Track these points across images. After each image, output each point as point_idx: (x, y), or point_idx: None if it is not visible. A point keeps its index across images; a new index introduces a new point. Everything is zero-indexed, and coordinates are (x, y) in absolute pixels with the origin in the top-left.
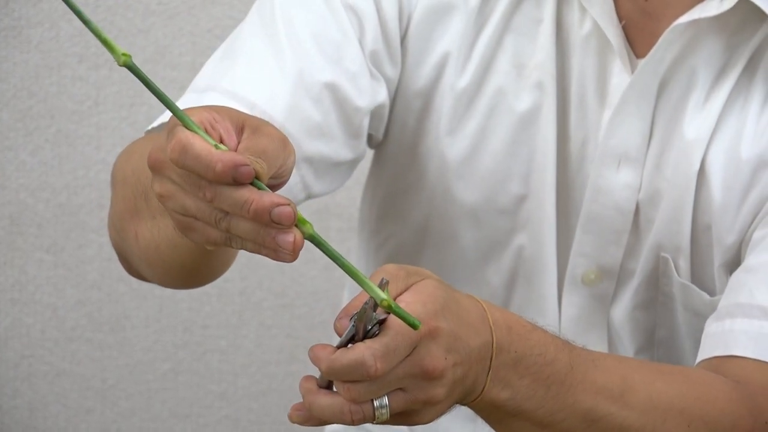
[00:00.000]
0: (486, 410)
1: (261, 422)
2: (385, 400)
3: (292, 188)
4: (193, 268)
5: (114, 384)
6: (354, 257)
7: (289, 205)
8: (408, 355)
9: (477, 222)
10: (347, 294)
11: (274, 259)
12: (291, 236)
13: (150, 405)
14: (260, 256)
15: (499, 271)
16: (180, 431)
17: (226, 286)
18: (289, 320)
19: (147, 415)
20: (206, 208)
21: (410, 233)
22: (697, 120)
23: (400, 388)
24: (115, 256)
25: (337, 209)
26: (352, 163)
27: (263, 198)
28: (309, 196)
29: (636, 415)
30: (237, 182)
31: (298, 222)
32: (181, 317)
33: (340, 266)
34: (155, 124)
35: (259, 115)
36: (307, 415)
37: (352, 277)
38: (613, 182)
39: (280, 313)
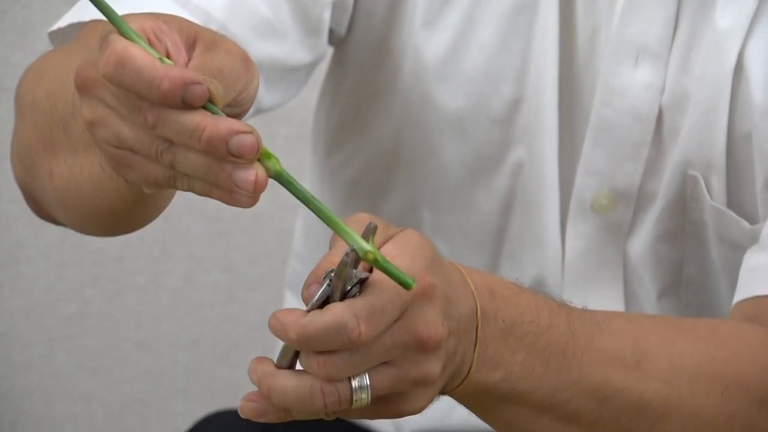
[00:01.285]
0: (473, 396)
1: (190, 378)
2: (366, 379)
3: None
4: (123, 214)
5: (5, 332)
6: (307, 181)
7: (251, 133)
8: (397, 320)
9: (462, 133)
10: (301, 224)
11: (227, 203)
12: (252, 173)
13: (51, 357)
14: None
15: (492, 195)
16: (88, 388)
17: None
18: (226, 251)
19: (47, 370)
20: (146, 138)
21: (378, 150)
22: (733, 5)
23: (385, 363)
24: (6, 171)
25: (284, 112)
26: (310, 67)
27: (219, 124)
28: (258, 111)
29: (657, 386)
30: (186, 104)
31: (261, 155)
32: (90, 247)
33: (314, 211)
34: (62, 23)
35: (192, 12)
36: (264, 406)
37: (329, 225)
38: (630, 82)
39: (214, 242)
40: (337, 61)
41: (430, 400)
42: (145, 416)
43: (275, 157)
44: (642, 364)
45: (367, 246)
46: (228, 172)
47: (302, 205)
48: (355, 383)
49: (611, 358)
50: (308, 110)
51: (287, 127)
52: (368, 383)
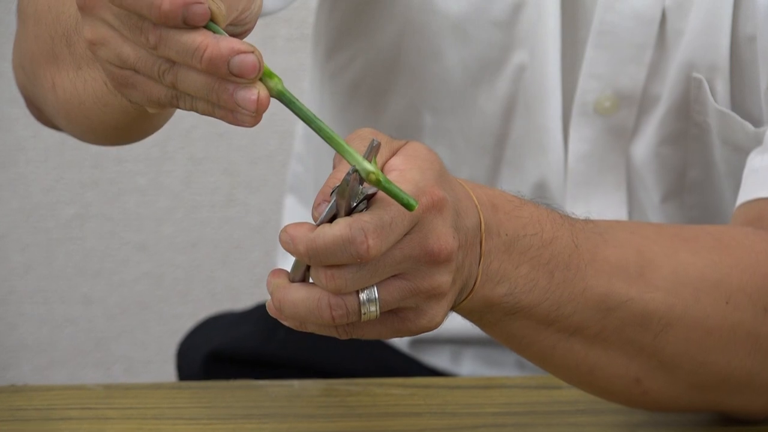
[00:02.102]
0: (477, 312)
1: (190, 279)
2: (374, 292)
3: None
4: (125, 129)
5: (5, 234)
6: (307, 84)
7: (253, 53)
8: (408, 233)
9: (464, 37)
10: (302, 125)
11: (230, 123)
12: (254, 93)
13: (50, 259)
14: None
15: (494, 97)
16: (88, 291)
17: None
18: (226, 153)
19: (46, 272)
20: (148, 58)
21: (379, 53)
22: None
23: (395, 276)
24: (6, 72)
25: (284, 13)
26: None
27: (220, 43)
28: (260, 15)
29: (661, 296)
30: (188, 24)
31: (263, 75)
32: (90, 149)
33: (316, 131)
34: None
35: None
36: (280, 316)
37: (331, 145)
38: None
39: (214, 143)
40: None
41: (445, 314)
42: (144, 319)
43: (278, 77)
44: (646, 275)
45: (369, 166)
46: (230, 91)
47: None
48: (363, 296)
49: (615, 269)
50: (309, 11)
51: (288, 27)
52: (377, 296)
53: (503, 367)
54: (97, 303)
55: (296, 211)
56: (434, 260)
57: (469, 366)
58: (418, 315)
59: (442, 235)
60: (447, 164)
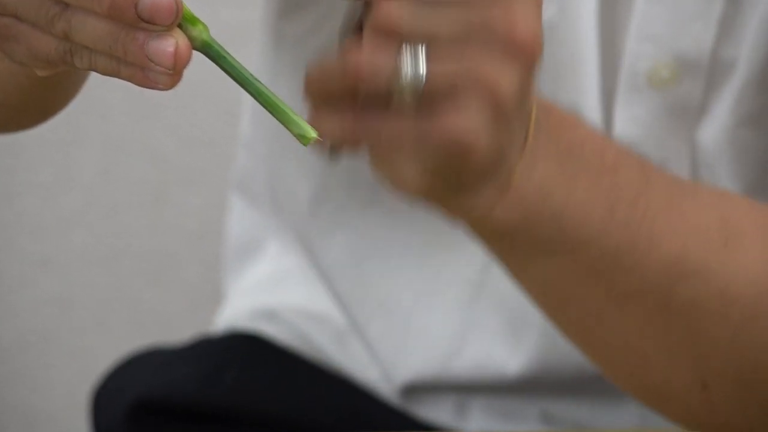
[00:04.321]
0: (510, 232)
1: (108, 303)
2: (422, 55)
3: None
4: (17, 107)
5: None
6: (258, 54)
7: None
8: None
9: None
10: (250, 101)
11: (140, 84)
12: (170, 44)
13: None
14: None
15: None
16: None
17: None
18: (155, 134)
19: None
20: (32, 0)
21: None
22: None
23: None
24: None
25: None
26: None
27: None
28: None
29: (749, 277)
30: None
31: (183, 20)
32: None
33: (252, 95)
34: None
35: None
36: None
37: (273, 113)
38: None
39: (138, 123)
40: None
41: (491, 140)
42: (48, 356)
43: (202, 23)
44: (731, 246)
45: (312, 132)
46: (140, 42)
47: None
48: (406, 50)
49: (693, 228)
50: None
51: None
52: (423, 57)
53: (525, 421)
54: None
55: (245, 214)
56: (513, 50)
57: (478, 420)
58: (456, 110)
59: (534, 27)
60: None
